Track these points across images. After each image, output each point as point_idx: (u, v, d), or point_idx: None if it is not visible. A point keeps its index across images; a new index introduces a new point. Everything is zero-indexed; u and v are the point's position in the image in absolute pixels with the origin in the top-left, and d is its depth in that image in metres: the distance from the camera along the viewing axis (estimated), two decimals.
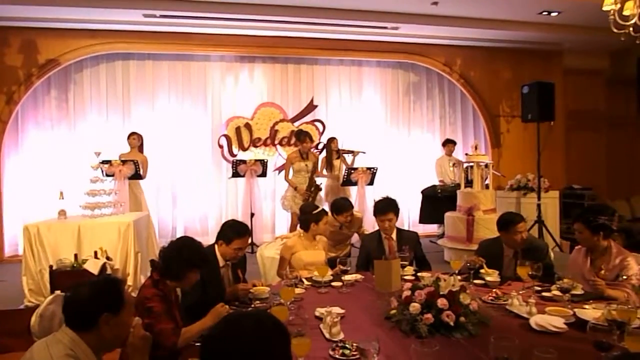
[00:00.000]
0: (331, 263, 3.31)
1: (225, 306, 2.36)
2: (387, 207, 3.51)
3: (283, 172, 6.73)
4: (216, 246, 2.91)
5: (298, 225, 4.02)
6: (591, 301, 2.44)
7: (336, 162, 6.74)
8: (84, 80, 7.17)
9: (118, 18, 6.42)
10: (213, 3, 6.20)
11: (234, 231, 2.87)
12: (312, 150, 6.78)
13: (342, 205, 4.10)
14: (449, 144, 7.60)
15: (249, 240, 2.97)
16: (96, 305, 1.64)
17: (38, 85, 6.82)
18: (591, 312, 2.21)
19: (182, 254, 2.31)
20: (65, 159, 6.97)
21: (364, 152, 6.87)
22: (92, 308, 1.64)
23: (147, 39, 6.95)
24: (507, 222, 3.19)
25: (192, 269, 2.33)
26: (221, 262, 2.88)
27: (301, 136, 6.40)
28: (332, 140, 6.80)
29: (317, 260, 3.38)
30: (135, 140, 6.30)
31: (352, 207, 4.20)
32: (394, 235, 3.55)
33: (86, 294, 1.67)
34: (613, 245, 2.80)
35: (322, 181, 6.57)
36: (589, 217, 2.79)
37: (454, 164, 7.35)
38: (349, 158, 6.85)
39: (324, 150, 7.04)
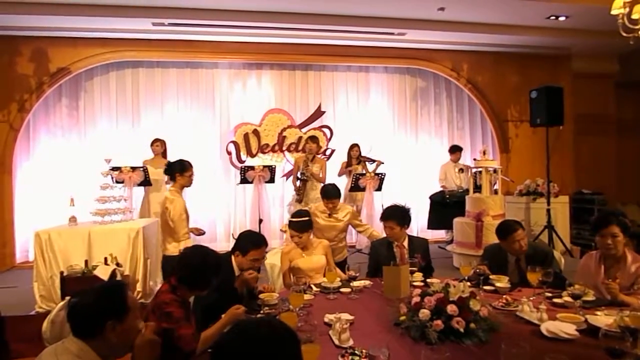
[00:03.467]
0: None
1: (241, 307, 2.37)
2: (388, 215, 3.50)
3: (292, 177, 6.77)
4: (233, 257, 2.91)
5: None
6: (603, 308, 2.41)
7: (356, 168, 6.80)
8: (94, 88, 7.27)
9: (127, 27, 6.52)
10: (221, 11, 6.26)
11: (250, 242, 2.87)
12: (318, 155, 6.83)
13: (327, 191, 4.20)
14: (457, 151, 7.57)
15: (265, 249, 2.96)
16: (101, 312, 1.61)
17: (49, 94, 6.92)
18: (603, 319, 2.18)
19: (208, 263, 2.33)
20: (75, 166, 7.05)
21: (383, 163, 6.91)
22: (96, 315, 1.61)
23: (156, 47, 7.04)
24: (504, 231, 3.17)
25: (217, 275, 2.37)
26: (237, 272, 2.88)
27: (307, 139, 6.71)
28: (353, 147, 6.93)
29: (316, 266, 3.36)
30: (159, 147, 6.43)
31: (336, 195, 4.21)
32: (405, 243, 3.50)
33: (90, 301, 1.64)
34: (627, 251, 2.74)
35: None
36: (622, 220, 2.72)
37: (460, 169, 7.32)
38: (370, 166, 6.88)
39: (330, 155, 7.07)
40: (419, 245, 3.54)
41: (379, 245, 3.63)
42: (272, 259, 3.95)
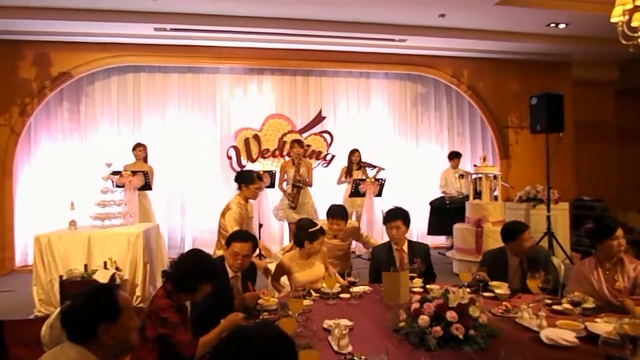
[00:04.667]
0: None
1: (240, 314, 2.36)
2: (395, 215, 3.50)
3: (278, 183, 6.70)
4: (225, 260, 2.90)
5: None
6: (603, 315, 2.41)
7: (356, 174, 6.79)
8: (96, 92, 7.29)
9: (129, 32, 6.55)
10: (222, 17, 6.29)
11: (234, 235, 2.88)
12: (304, 158, 6.80)
13: (333, 211, 3.96)
14: (455, 157, 7.58)
15: (251, 248, 2.88)
16: (91, 316, 1.61)
17: (51, 98, 6.94)
18: (603, 326, 2.17)
19: (196, 267, 2.32)
20: (76, 170, 7.05)
21: (383, 169, 6.90)
22: (88, 320, 1.61)
23: (158, 52, 7.06)
24: (513, 231, 3.18)
25: (206, 281, 2.34)
26: (230, 274, 2.87)
27: (291, 143, 6.60)
28: (353, 152, 6.93)
29: (316, 278, 3.31)
30: (142, 151, 6.46)
31: (343, 216, 3.96)
32: (405, 247, 3.50)
33: (80, 306, 1.64)
34: (624, 255, 2.78)
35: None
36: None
37: (460, 175, 7.33)
38: (371, 172, 6.88)
39: (330, 160, 7.03)
40: (419, 250, 3.53)
41: (379, 250, 3.63)
42: (270, 266, 3.90)
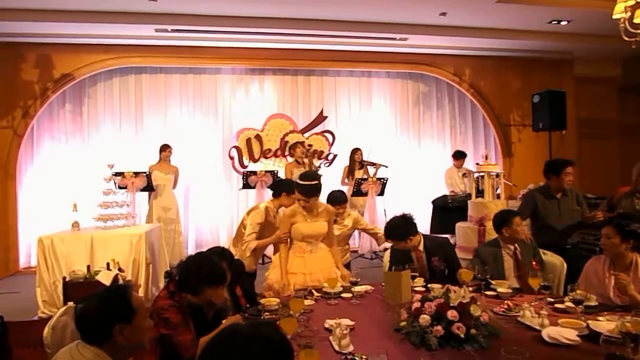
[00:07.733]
0: None
1: (239, 316, 2.37)
2: (387, 235, 3.38)
3: None
4: None
5: None
6: (605, 313, 2.40)
7: (358, 173, 6.79)
8: (98, 94, 7.32)
9: (131, 33, 6.57)
10: (223, 17, 6.30)
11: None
12: (308, 155, 6.92)
13: (335, 198, 4.12)
14: (461, 157, 7.55)
15: (226, 266, 2.81)
16: (107, 317, 1.63)
17: (53, 100, 6.98)
18: (605, 324, 2.16)
19: (201, 270, 2.30)
20: (79, 172, 7.08)
21: (386, 166, 6.88)
22: (103, 321, 1.62)
23: (159, 53, 7.09)
24: (503, 219, 3.25)
25: (210, 285, 2.31)
26: None
27: (292, 147, 6.86)
28: (355, 151, 6.93)
29: (316, 232, 3.34)
30: (170, 152, 6.55)
31: (343, 201, 4.18)
32: (420, 247, 3.35)
33: (95, 308, 1.65)
34: (638, 259, 2.72)
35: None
36: (621, 222, 2.71)
37: (464, 174, 7.31)
38: (371, 170, 6.88)
39: (332, 159, 7.00)
40: (437, 246, 3.37)
41: (397, 250, 3.43)
42: (273, 274, 3.78)
